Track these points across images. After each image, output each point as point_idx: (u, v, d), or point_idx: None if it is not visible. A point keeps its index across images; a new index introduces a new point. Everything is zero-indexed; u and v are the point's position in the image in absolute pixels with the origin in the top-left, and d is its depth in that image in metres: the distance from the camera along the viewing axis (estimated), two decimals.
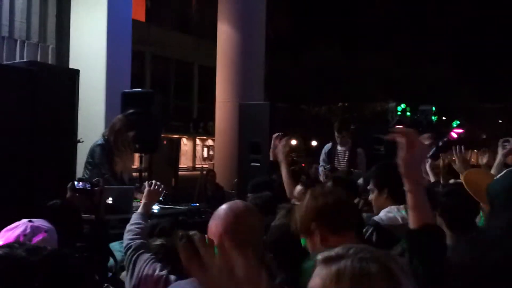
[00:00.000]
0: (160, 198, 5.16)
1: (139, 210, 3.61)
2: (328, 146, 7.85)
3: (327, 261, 1.36)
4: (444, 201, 3.22)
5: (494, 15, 25.55)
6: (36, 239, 2.53)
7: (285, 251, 2.80)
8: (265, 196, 4.18)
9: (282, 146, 4.74)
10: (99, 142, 5.70)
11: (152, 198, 3.79)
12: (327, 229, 2.38)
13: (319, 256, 1.39)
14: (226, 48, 11.76)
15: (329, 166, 7.24)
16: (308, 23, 26.77)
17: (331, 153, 7.68)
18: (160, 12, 25.77)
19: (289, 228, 2.59)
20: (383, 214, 3.45)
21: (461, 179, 3.93)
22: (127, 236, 3.25)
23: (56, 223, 2.78)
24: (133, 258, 3.06)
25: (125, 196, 5.07)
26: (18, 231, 2.54)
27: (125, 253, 3.16)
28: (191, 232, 1.49)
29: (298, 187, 4.44)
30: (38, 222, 2.65)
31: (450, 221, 3.06)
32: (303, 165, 9.19)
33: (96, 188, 3.90)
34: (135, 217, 3.48)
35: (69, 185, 3.87)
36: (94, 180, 3.99)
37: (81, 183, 3.93)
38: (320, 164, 7.69)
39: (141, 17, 22.85)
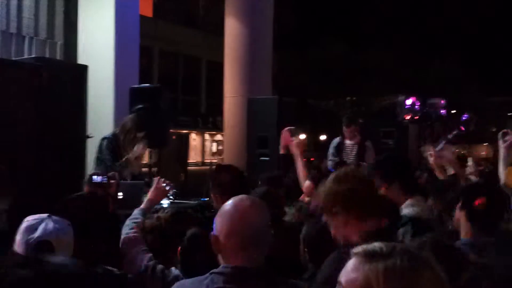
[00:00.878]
0: (170, 196, 5.16)
1: (142, 205, 3.60)
2: (336, 140, 7.85)
3: (371, 256, 1.31)
4: (464, 195, 3.15)
5: (503, 8, 25.37)
6: (67, 232, 2.53)
7: (317, 246, 2.80)
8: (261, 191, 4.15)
9: (298, 142, 4.77)
10: (107, 135, 5.72)
11: (158, 195, 3.75)
12: (350, 213, 2.39)
13: (359, 249, 1.34)
14: (233, 43, 11.74)
15: (337, 158, 7.23)
16: (316, 17, 26.69)
17: (340, 147, 7.68)
18: (168, 7, 25.78)
19: (323, 227, 2.59)
20: (407, 210, 3.37)
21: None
22: (123, 230, 3.26)
23: (79, 215, 2.77)
24: (133, 253, 3.07)
25: (135, 191, 5.08)
26: (51, 225, 2.50)
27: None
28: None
29: (307, 182, 4.44)
30: (54, 217, 2.60)
31: (471, 215, 3.01)
32: (312, 159, 9.18)
33: (112, 181, 3.94)
34: (135, 212, 3.49)
35: (87, 179, 3.90)
36: (109, 173, 4.02)
37: (98, 177, 3.97)
38: (329, 158, 7.69)
39: (149, 12, 22.85)
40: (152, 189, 3.74)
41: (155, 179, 3.82)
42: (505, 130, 4.55)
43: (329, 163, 7.45)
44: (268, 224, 2.22)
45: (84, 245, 2.62)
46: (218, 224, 2.17)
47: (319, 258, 2.59)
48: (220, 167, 4.24)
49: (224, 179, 3.71)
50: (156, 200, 3.76)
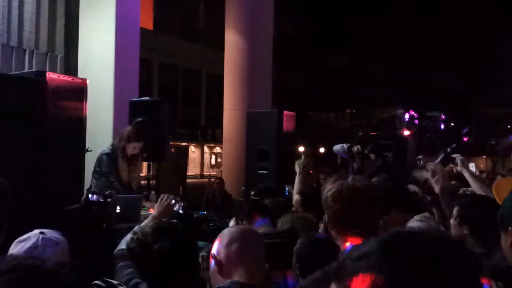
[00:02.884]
0: (180, 211, 5.10)
1: (144, 222, 3.49)
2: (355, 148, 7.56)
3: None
4: (467, 211, 3.15)
5: (501, 21, 25.48)
6: (48, 251, 2.53)
7: (308, 261, 2.82)
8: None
9: (304, 161, 4.87)
10: (106, 151, 5.73)
11: (162, 213, 3.63)
12: (337, 230, 2.41)
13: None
14: (233, 56, 11.79)
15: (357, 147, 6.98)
16: (316, 31, 26.80)
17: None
18: (168, 20, 25.88)
19: (315, 242, 2.60)
20: (412, 224, 3.37)
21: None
22: (119, 246, 3.22)
23: (75, 227, 2.78)
24: (116, 268, 3.04)
25: (133, 205, 5.08)
26: (29, 243, 2.53)
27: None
28: None
29: (296, 196, 4.48)
30: (50, 234, 2.63)
31: (475, 231, 3.00)
32: (311, 172, 9.15)
33: (109, 200, 3.94)
34: (135, 230, 3.40)
35: (83, 198, 3.90)
36: (107, 192, 4.02)
37: (95, 196, 3.97)
38: (347, 144, 7.29)
39: (149, 25, 22.94)
40: (156, 206, 3.68)
41: (161, 196, 3.74)
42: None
43: (349, 148, 7.17)
44: (263, 251, 2.27)
45: (76, 255, 2.64)
46: (222, 246, 2.23)
47: (309, 274, 2.61)
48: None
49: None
50: (160, 218, 3.62)
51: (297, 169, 4.89)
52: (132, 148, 5.68)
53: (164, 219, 3.74)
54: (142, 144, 5.72)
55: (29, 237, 2.57)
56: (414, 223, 3.38)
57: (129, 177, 5.66)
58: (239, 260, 2.19)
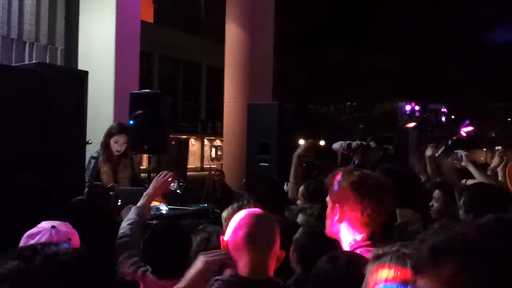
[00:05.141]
0: (178, 191, 5.05)
1: (139, 202, 3.48)
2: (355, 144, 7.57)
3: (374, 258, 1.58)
4: (472, 199, 3.18)
5: (503, 13, 25.41)
6: (62, 245, 2.49)
7: (307, 251, 2.82)
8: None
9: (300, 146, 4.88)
10: (94, 154, 5.72)
11: (159, 188, 3.59)
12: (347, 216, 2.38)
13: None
14: (234, 49, 11.77)
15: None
16: (316, 23, 26.74)
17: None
18: (168, 13, 25.82)
19: (316, 233, 2.59)
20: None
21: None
22: (118, 235, 3.22)
23: (79, 219, 2.76)
24: (120, 260, 3.05)
25: (135, 197, 5.07)
26: (43, 239, 2.47)
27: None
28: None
29: (301, 188, 4.46)
30: (61, 227, 2.59)
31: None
32: (304, 165, 9.09)
33: (111, 193, 3.94)
34: (131, 211, 3.38)
35: (86, 191, 3.91)
36: (109, 185, 4.02)
37: (97, 188, 3.97)
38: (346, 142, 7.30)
39: (150, 18, 22.90)
40: (153, 181, 3.60)
41: (160, 172, 3.70)
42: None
43: (348, 146, 7.18)
44: (277, 237, 2.25)
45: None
46: (230, 231, 2.21)
47: (307, 264, 2.61)
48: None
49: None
50: (155, 194, 3.61)
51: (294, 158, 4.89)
52: (115, 144, 5.62)
53: (158, 196, 3.73)
54: (126, 137, 5.66)
55: (40, 232, 2.52)
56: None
57: (116, 178, 5.53)
58: (245, 246, 2.16)
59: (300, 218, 3.96)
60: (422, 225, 3.27)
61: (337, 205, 2.40)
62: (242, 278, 2.13)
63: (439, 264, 0.99)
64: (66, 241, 2.51)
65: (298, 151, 5.11)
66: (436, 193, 4.17)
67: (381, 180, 2.45)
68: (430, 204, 4.07)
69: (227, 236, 2.23)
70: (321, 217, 3.49)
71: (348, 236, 2.38)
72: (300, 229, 3.09)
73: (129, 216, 3.34)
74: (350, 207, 2.36)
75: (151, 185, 3.57)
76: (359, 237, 2.34)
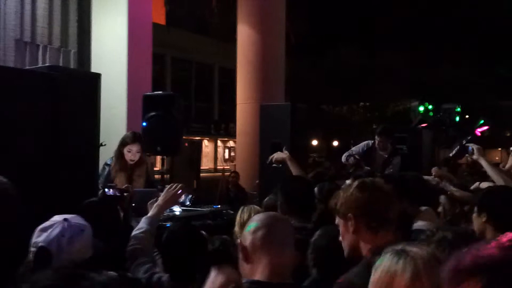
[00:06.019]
0: (187, 203, 5.13)
1: (150, 212, 3.50)
2: (368, 144, 7.64)
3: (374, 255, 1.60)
4: (484, 200, 3.14)
5: None
6: (75, 239, 2.51)
7: (325, 254, 2.79)
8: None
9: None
10: (108, 161, 5.72)
11: (168, 201, 3.61)
12: (362, 223, 2.36)
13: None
14: (246, 50, 11.76)
15: (354, 157, 7.04)
16: (328, 23, 26.67)
17: (370, 154, 7.48)
18: (180, 15, 25.86)
19: (335, 236, 2.58)
20: (422, 224, 3.37)
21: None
22: (129, 243, 3.22)
23: (94, 220, 2.78)
24: (132, 267, 3.05)
25: (148, 199, 5.07)
26: (55, 232, 2.49)
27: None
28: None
29: (316, 189, 4.42)
30: (73, 219, 2.59)
31: (493, 218, 2.98)
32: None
33: (125, 194, 3.94)
34: (142, 221, 3.41)
35: (100, 192, 3.91)
36: (124, 186, 4.02)
37: (111, 190, 3.97)
38: (350, 153, 7.38)
39: (161, 20, 22.97)
40: (163, 194, 3.64)
41: (170, 184, 3.74)
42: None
43: (345, 155, 7.23)
44: (293, 239, 2.24)
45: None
46: (248, 233, 2.18)
47: (325, 266, 2.58)
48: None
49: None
50: (165, 206, 3.62)
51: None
52: (128, 154, 5.61)
53: (168, 208, 3.75)
54: (139, 146, 5.65)
55: (53, 225, 2.53)
56: (421, 223, 3.37)
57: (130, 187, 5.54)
58: (264, 248, 2.12)
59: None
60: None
61: (350, 214, 2.39)
62: (262, 284, 2.08)
63: (465, 285, 0.96)
64: (79, 233, 2.52)
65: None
66: (442, 198, 4.14)
67: (384, 188, 2.45)
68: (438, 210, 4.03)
69: (243, 239, 2.19)
70: (322, 218, 3.49)
71: (366, 242, 2.36)
72: (317, 232, 3.06)
73: (140, 225, 3.35)
74: (359, 217, 2.37)
75: (161, 197, 3.58)
76: (370, 245, 2.33)
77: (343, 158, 7.09)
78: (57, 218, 2.58)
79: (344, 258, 2.38)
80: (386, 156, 7.44)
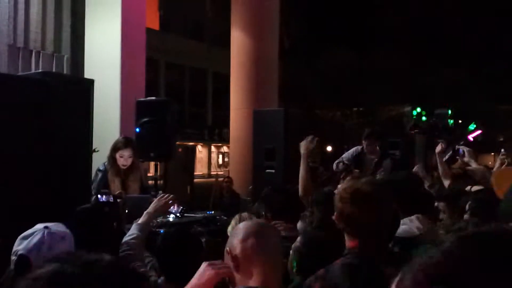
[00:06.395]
0: (178, 214, 5.13)
1: (140, 219, 3.52)
2: (358, 149, 7.69)
3: None
4: (475, 204, 3.18)
5: (509, 16, 25.33)
6: (55, 246, 2.50)
7: (305, 259, 2.80)
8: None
9: (308, 141, 4.79)
10: (100, 167, 5.70)
11: (158, 210, 3.65)
12: (348, 233, 2.43)
13: None
14: (239, 55, 11.77)
15: (343, 163, 7.08)
16: (322, 28, 26.74)
17: (360, 158, 7.52)
18: (174, 20, 25.88)
19: (313, 240, 2.58)
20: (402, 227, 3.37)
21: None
22: (120, 249, 3.23)
23: (87, 226, 2.76)
24: None
25: (141, 205, 5.07)
26: (35, 239, 2.50)
27: None
28: None
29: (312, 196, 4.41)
30: (54, 227, 2.60)
31: (484, 222, 3.00)
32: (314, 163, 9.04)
33: (118, 200, 3.94)
34: (132, 228, 3.42)
35: (93, 199, 3.91)
36: (116, 192, 4.02)
37: (104, 196, 3.96)
38: (339, 161, 7.43)
39: (155, 25, 22.96)
40: (153, 203, 3.67)
41: (162, 194, 3.77)
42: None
43: (337, 165, 7.28)
44: (281, 248, 2.25)
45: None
46: (237, 241, 2.17)
47: (306, 271, 2.59)
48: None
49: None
50: (154, 214, 3.65)
51: (301, 149, 4.82)
52: (121, 159, 5.59)
53: (158, 216, 3.77)
54: (131, 151, 5.63)
55: (33, 233, 2.54)
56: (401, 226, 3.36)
57: (126, 192, 5.47)
58: (256, 256, 2.11)
59: (299, 225, 3.93)
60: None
61: (336, 212, 2.47)
62: None
63: None
64: (59, 241, 2.52)
65: (304, 148, 4.97)
66: (442, 205, 4.14)
67: (376, 190, 2.47)
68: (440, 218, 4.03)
69: (233, 248, 2.17)
70: (320, 226, 3.48)
71: (347, 241, 2.43)
72: (299, 238, 3.07)
73: (131, 232, 3.36)
74: (343, 216, 2.42)
75: (152, 205, 3.62)
76: (352, 244, 2.39)
77: (334, 166, 7.12)
78: (38, 226, 2.58)
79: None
80: (376, 159, 7.47)
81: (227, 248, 2.16)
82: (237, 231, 2.20)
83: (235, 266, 2.12)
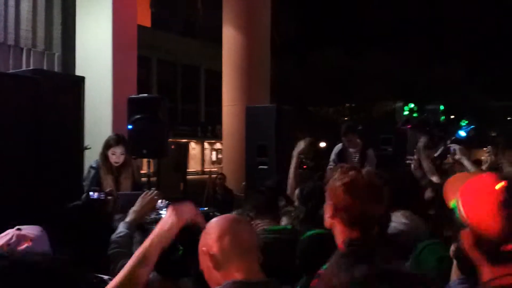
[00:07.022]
0: (165, 210, 5.10)
1: (127, 218, 3.43)
2: (338, 146, 7.83)
3: None
4: None
5: (501, 13, 25.43)
6: (20, 248, 2.51)
7: (309, 256, 2.80)
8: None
9: (307, 144, 4.81)
10: (92, 164, 5.68)
11: (145, 206, 3.53)
12: (342, 225, 2.41)
13: None
14: (232, 52, 11.77)
15: (329, 168, 7.20)
16: (314, 25, 26.75)
17: (342, 154, 7.66)
18: (166, 17, 25.81)
19: (315, 237, 2.58)
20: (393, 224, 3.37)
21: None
22: (110, 247, 3.20)
23: (78, 223, 2.76)
24: (116, 269, 3.03)
25: (133, 202, 5.05)
26: (2, 241, 2.52)
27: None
28: None
29: (297, 191, 4.42)
30: (26, 230, 2.61)
31: None
32: (304, 167, 9.10)
33: (109, 198, 3.91)
34: (120, 226, 3.37)
35: (84, 196, 3.88)
36: (107, 190, 4.00)
37: (95, 193, 3.94)
38: (329, 164, 7.63)
39: (147, 22, 22.90)
40: (139, 199, 3.63)
41: (146, 191, 3.72)
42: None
43: (328, 168, 7.42)
44: (255, 238, 2.25)
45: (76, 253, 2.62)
46: (213, 240, 2.16)
47: (311, 269, 2.59)
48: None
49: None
50: (141, 211, 3.54)
51: (295, 149, 4.85)
52: (113, 156, 5.57)
53: (145, 214, 3.73)
54: (123, 149, 5.61)
55: (6, 235, 2.56)
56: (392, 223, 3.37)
57: (119, 189, 5.43)
58: (235, 252, 2.12)
59: (284, 221, 3.94)
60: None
61: (330, 202, 2.43)
62: (243, 283, 2.08)
63: None
64: (24, 244, 2.53)
65: (298, 149, 5.02)
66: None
67: (374, 182, 2.46)
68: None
69: (209, 247, 2.15)
70: (306, 221, 3.48)
71: (340, 233, 2.41)
72: (303, 238, 3.07)
73: (119, 230, 3.33)
74: (342, 206, 2.39)
75: (137, 203, 3.55)
76: (349, 235, 2.36)
77: (327, 172, 7.20)
78: (8, 231, 2.60)
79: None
80: (358, 152, 7.60)
81: (203, 248, 2.13)
82: (210, 229, 2.17)
83: (214, 265, 2.10)
